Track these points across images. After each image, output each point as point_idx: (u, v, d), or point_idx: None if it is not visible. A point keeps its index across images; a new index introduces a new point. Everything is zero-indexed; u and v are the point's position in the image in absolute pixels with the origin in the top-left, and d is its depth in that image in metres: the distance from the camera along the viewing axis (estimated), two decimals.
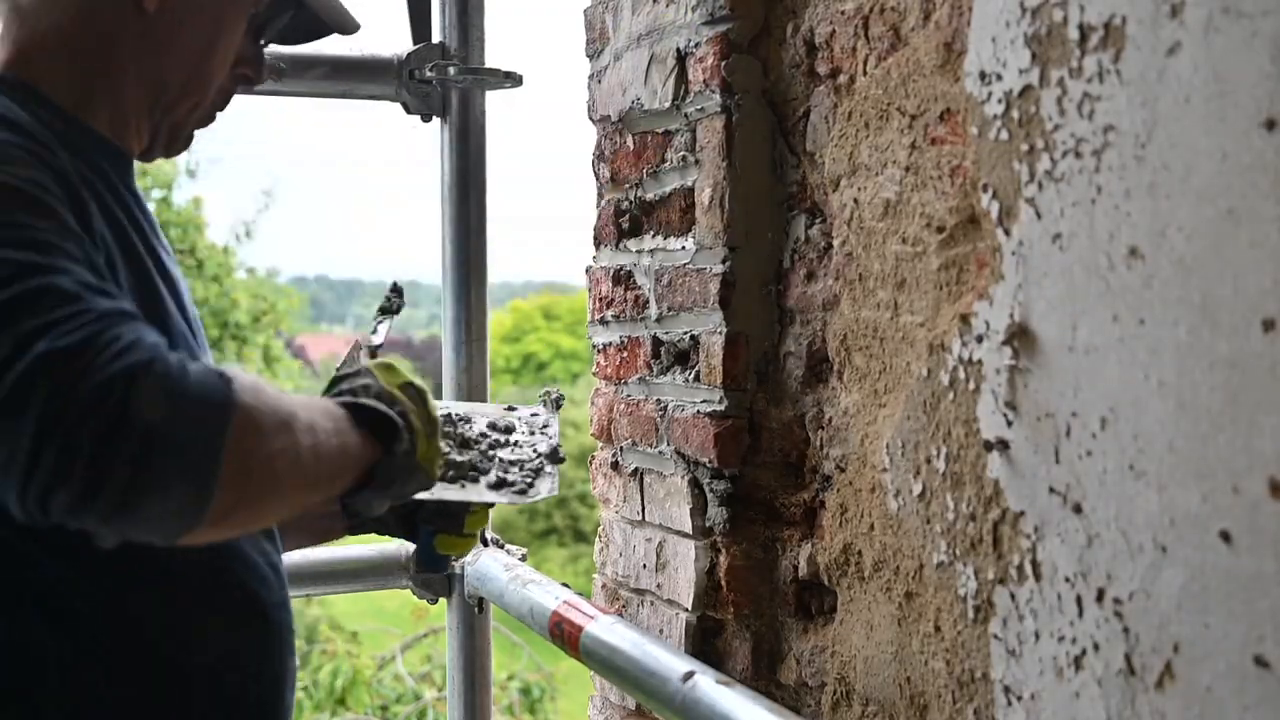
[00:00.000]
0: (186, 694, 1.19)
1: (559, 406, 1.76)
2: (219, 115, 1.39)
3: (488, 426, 1.64)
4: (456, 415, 1.66)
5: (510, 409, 1.75)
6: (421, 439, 1.24)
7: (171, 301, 1.23)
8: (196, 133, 1.37)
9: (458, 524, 1.54)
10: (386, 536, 1.63)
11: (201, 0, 1.28)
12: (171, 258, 1.31)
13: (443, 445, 1.37)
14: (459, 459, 1.52)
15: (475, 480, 1.50)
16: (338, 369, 1.33)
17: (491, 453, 1.56)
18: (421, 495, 1.32)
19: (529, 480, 1.52)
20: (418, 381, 1.28)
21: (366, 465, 1.18)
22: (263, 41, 1.39)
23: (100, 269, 1.07)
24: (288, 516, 1.16)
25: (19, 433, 0.91)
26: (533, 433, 1.65)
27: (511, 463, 1.55)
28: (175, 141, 1.34)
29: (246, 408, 0.99)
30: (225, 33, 1.30)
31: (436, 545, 1.54)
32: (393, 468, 1.20)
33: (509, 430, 1.64)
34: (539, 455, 1.58)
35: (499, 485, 1.50)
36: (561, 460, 1.58)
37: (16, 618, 1.11)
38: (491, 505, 1.55)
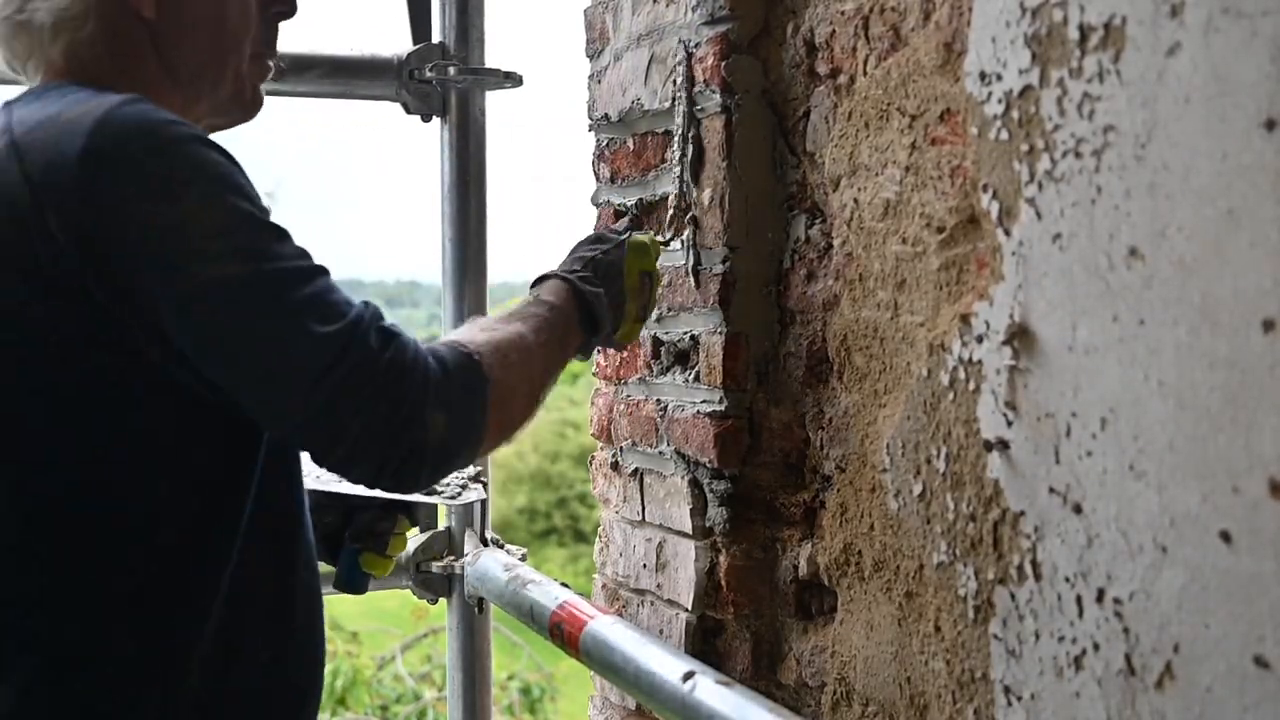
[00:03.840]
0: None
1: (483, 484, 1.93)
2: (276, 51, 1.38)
3: None
4: None
5: None
6: (628, 323, 1.47)
7: None
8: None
9: (382, 543, 1.64)
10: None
11: None
12: None
13: None
14: None
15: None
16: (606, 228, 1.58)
17: None
18: (351, 491, 1.49)
19: (457, 491, 1.81)
20: (657, 271, 1.50)
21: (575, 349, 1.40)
22: None
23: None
24: None
25: (341, 431, 1.11)
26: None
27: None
28: (242, 106, 1.34)
29: (498, 383, 1.20)
30: None
31: (362, 564, 1.62)
32: (587, 348, 1.43)
33: None
34: (466, 477, 1.85)
35: (430, 492, 1.74)
36: (484, 483, 1.89)
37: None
38: (416, 507, 1.73)
